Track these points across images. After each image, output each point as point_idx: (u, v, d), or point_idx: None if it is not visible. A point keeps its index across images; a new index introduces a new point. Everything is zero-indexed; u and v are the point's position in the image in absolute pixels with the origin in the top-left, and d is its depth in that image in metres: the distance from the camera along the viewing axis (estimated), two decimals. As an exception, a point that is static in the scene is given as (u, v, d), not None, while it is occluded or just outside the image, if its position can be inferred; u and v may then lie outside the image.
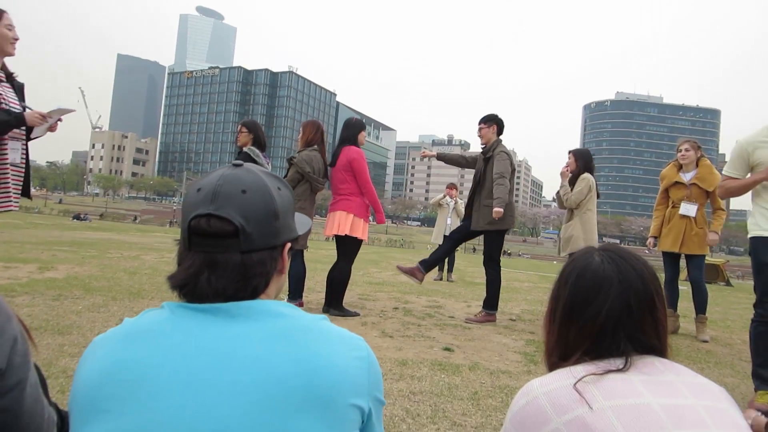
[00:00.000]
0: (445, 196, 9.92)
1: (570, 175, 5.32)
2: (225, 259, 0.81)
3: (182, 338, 0.78)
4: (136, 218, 65.30)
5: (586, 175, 5.22)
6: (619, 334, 0.92)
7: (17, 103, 2.99)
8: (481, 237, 5.22)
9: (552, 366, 0.99)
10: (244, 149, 4.84)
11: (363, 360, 0.82)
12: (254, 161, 4.80)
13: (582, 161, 5.32)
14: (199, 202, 0.83)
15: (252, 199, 0.84)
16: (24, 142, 3.02)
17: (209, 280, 0.81)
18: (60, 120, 3.09)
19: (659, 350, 0.94)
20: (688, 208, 4.89)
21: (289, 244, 0.91)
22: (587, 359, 0.92)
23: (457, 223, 9.93)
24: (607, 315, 0.92)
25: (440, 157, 5.87)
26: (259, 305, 0.82)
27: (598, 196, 5.29)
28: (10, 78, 3.02)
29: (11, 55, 2.95)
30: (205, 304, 0.81)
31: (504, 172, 4.93)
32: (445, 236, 9.81)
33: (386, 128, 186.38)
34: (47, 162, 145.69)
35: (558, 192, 5.46)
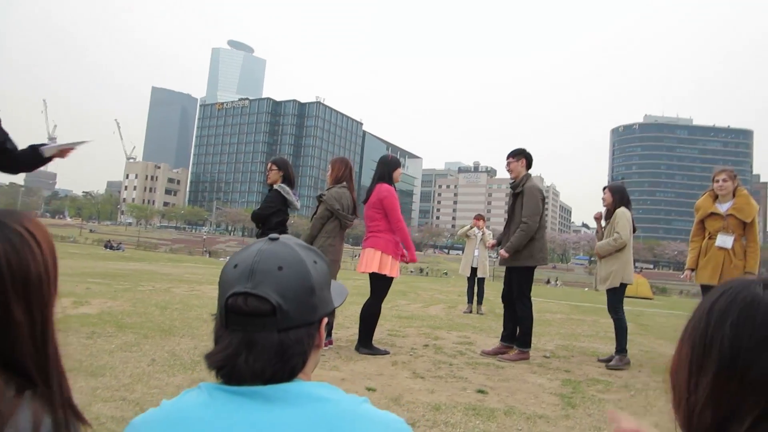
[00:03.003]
0: (472, 227, 9.83)
1: (601, 217, 5.34)
2: (263, 339, 0.80)
3: (223, 427, 0.76)
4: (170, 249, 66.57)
5: (623, 210, 5.13)
6: None
7: None
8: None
9: None
10: (275, 186, 4.89)
11: None
12: (284, 198, 4.84)
13: (618, 195, 5.23)
14: (236, 280, 0.82)
15: (289, 275, 0.83)
16: None
17: (247, 360, 0.79)
18: (73, 148, 2.92)
19: None
20: (725, 240, 4.73)
21: (326, 319, 0.89)
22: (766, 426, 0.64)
23: (485, 255, 9.83)
24: None
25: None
26: (299, 388, 0.80)
27: (634, 231, 5.19)
28: None
29: None
30: (244, 387, 0.79)
31: (533, 214, 4.90)
32: (473, 267, 9.72)
33: (412, 156, 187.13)
34: (83, 192, 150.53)
35: (596, 232, 5.49)
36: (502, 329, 5.24)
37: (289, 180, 4.97)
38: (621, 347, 5.02)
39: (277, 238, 0.89)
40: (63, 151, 2.71)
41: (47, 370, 0.76)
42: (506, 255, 4.98)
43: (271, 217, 4.81)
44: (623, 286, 5.10)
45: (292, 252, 0.86)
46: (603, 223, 5.37)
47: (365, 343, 4.73)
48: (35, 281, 0.75)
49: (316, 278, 0.86)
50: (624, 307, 5.18)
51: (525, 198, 4.98)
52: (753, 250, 4.69)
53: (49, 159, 2.70)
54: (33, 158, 2.62)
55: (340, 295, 0.95)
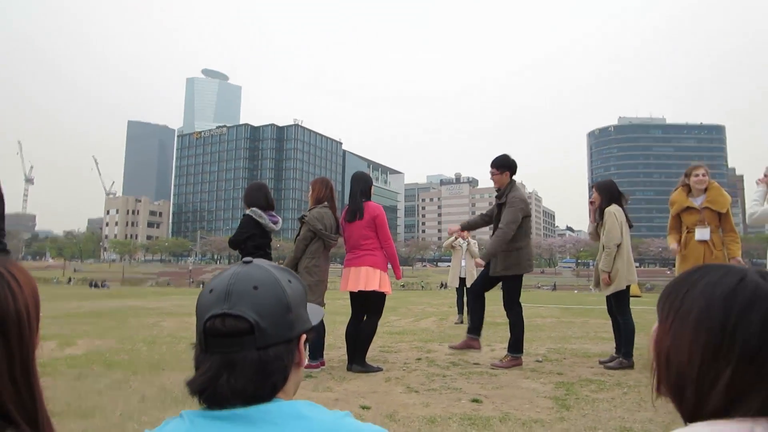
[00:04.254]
0: (457, 238, 9.88)
1: (596, 208, 5.23)
2: (242, 358, 0.81)
3: None
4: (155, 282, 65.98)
5: (612, 208, 5.06)
6: None
7: None
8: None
9: (704, 416, 0.71)
10: (246, 211, 4.88)
11: None
12: (257, 222, 4.80)
13: (606, 194, 5.16)
14: (212, 303, 0.84)
15: (264, 294, 0.85)
16: None
17: (228, 381, 0.80)
18: None
19: None
20: (703, 233, 4.83)
21: (304, 336, 0.90)
22: None
23: (472, 264, 9.87)
24: None
25: (465, 227, 5.96)
26: (279, 408, 0.80)
27: (631, 226, 5.12)
28: None
29: None
30: (225, 411, 0.80)
31: (510, 222, 4.94)
32: (461, 278, 9.75)
33: (394, 172, 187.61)
34: (64, 231, 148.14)
35: (588, 228, 5.43)
36: (491, 336, 5.27)
37: (264, 203, 4.92)
38: (628, 351, 4.90)
39: (250, 261, 0.92)
40: None
41: (29, 410, 0.76)
42: (482, 263, 5.10)
43: (246, 242, 4.79)
44: (628, 287, 5.03)
45: (266, 272, 0.88)
46: (591, 226, 5.33)
47: (359, 360, 4.72)
48: (13, 320, 0.76)
49: (292, 296, 0.88)
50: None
51: (506, 207, 5.03)
52: (733, 238, 4.80)
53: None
54: None
55: (316, 314, 0.97)
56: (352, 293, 4.87)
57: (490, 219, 5.42)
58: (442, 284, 52.33)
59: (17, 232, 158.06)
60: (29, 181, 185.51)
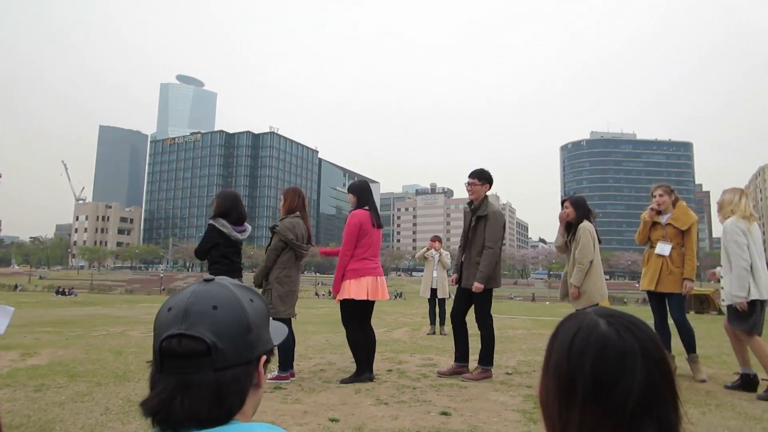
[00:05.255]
0: (429, 249, 9.94)
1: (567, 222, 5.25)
2: (198, 380, 0.79)
3: None
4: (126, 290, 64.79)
5: (586, 224, 5.10)
6: (647, 414, 0.79)
7: None
8: None
9: None
10: (210, 220, 4.79)
11: None
12: (220, 231, 4.70)
13: (581, 210, 5.19)
14: (170, 322, 0.83)
15: (223, 314, 0.83)
16: None
17: (182, 403, 0.78)
18: None
19: (677, 428, 0.83)
20: (663, 248, 5.00)
21: (264, 357, 0.89)
22: None
23: (444, 275, 9.92)
24: (638, 393, 0.79)
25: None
26: (236, 430, 0.79)
27: (600, 242, 5.20)
28: None
29: None
30: None
31: (497, 239, 4.99)
32: (432, 289, 9.80)
33: (369, 181, 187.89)
34: (30, 238, 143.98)
35: (556, 241, 5.43)
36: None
37: (227, 212, 4.81)
38: None
39: (212, 279, 0.91)
40: None
41: None
42: (482, 287, 4.94)
43: (211, 251, 4.73)
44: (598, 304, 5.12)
45: (226, 292, 0.87)
46: (561, 239, 5.39)
47: (371, 368, 4.83)
48: None
49: (253, 316, 0.86)
50: None
51: (489, 222, 5.03)
52: (689, 258, 4.96)
53: None
54: None
55: (278, 333, 0.96)
56: (366, 301, 4.80)
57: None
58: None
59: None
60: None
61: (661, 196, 5.07)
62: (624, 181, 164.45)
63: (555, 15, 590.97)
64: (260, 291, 4.76)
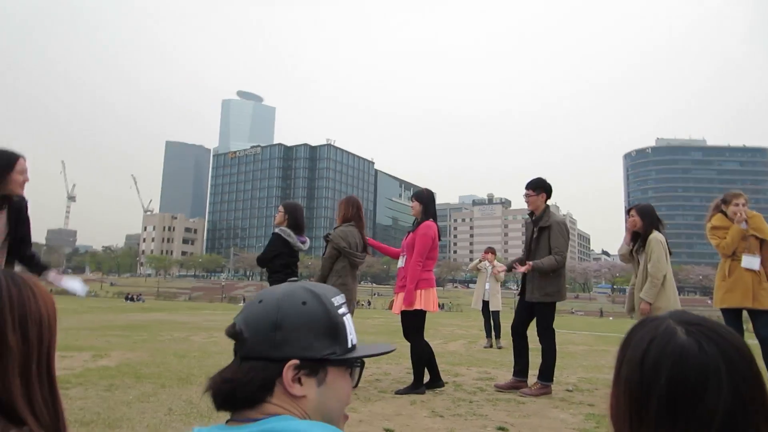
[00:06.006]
0: (482, 261, 9.78)
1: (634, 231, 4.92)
2: (233, 364, 0.86)
3: None
4: (189, 297, 67.63)
5: (657, 235, 4.75)
6: None
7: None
8: None
9: None
10: (275, 230, 4.96)
11: None
12: (286, 241, 4.87)
13: (648, 219, 4.83)
14: None
15: (260, 308, 0.87)
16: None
17: (219, 378, 0.85)
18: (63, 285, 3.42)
19: None
20: (752, 261, 4.60)
21: (295, 362, 0.83)
22: None
23: (497, 288, 9.73)
24: (722, 414, 0.69)
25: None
26: (287, 427, 0.79)
27: (670, 253, 4.87)
28: (5, 202, 3.11)
29: (18, 194, 3.13)
30: (235, 428, 0.80)
31: (563, 249, 4.89)
32: (484, 301, 9.62)
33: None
34: (103, 247, 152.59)
35: (620, 249, 5.18)
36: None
37: (295, 223, 5.01)
38: None
39: (295, 280, 0.96)
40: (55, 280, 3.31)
41: (45, 413, 0.78)
42: (530, 266, 4.84)
43: (274, 260, 4.85)
44: None
45: (280, 291, 0.89)
46: (625, 247, 5.12)
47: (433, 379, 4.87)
48: (35, 319, 0.79)
49: (291, 316, 0.85)
50: None
51: (553, 233, 4.92)
52: None
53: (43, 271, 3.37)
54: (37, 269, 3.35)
55: (364, 350, 0.92)
56: (428, 312, 4.87)
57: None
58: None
59: (59, 247, 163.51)
60: (71, 198, 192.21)
61: (744, 205, 4.73)
62: (694, 190, 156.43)
63: (613, 12, 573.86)
64: None
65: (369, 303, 60.85)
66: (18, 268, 3.28)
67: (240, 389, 0.82)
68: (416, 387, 4.69)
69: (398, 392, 4.63)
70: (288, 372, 0.83)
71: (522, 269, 4.91)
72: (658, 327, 0.76)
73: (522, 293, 5.11)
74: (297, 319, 0.85)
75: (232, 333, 0.87)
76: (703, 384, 0.70)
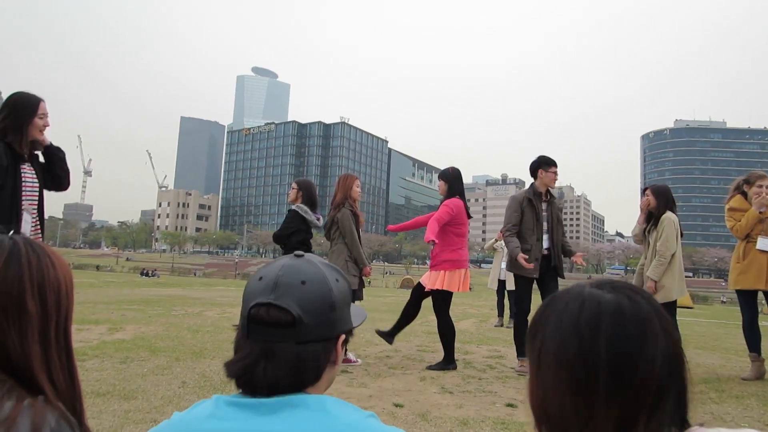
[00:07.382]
0: (497, 240, 9.74)
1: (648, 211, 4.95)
2: (281, 350, 0.83)
3: None
4: (195, 273, 68.78)
5: (670, 215, 4.76)
6: (670, 389, 0.68)
7: (34, 185, 3.15)
8: None
9: None
10: (293, 207, 4.97)
11: None
12: (303, 218, 4.89)
13: (663, 199, 4.83)
14: (259, 291, 0.87)
15: (311, 290, 0.86)
16: (36, 217, 3.19)
17: (264, 370, 0.82)
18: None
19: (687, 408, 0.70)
20: (767, 244, 4.57)
21: (343, 336, 0.91)
22: None
23: (513, 266, 9.70)
24: (662, 358, 0.67)
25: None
26: (304, 401, 0.82)
27: (681, 236, 4.86)
28: (32, 157, 3.16)
29: (41, 140, 3.14)
30: (252, 400, 0.82)
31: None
32: (500, 280, 9.60)
33: (439, 171, 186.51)
34: (118, 222, 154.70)
35: (633, 230, 5.17)
36: None
37: (309, 200, 5.03)
38: None
39: (302, 255, 0.94)
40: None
41: (61, 380, 0.80)
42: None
43: (291, 237, 4.86)
44: (675, 301, 4.77)
45: (315, 269, 0.90)
46: (639, 228, 5.09)
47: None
48: (53, 287, 0.81)
49: (338, 295, 0.89)
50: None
51: (555, 202, 5.09)
52: None
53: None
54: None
55: (358, 316, 0.98)
56: (453, 292, 4.94)
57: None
58: None
59: (75, 222, 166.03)
60: (87, 173, 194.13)
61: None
62: (711, 173, 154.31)
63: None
64: None
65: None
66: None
67: (308, 374, 0.85)
68: (448, 363, 4.77)
69: (429, 367, 4.73)
70: (340, 347, 0.90)
71: (580, 260, 5.12)
72: (581, 292, 0.72)
73: (517, 277, 5.05)
74: (341, 297, 0.90)
75: (290, 321, 0.83)
76: (643, 334, 0.67)
